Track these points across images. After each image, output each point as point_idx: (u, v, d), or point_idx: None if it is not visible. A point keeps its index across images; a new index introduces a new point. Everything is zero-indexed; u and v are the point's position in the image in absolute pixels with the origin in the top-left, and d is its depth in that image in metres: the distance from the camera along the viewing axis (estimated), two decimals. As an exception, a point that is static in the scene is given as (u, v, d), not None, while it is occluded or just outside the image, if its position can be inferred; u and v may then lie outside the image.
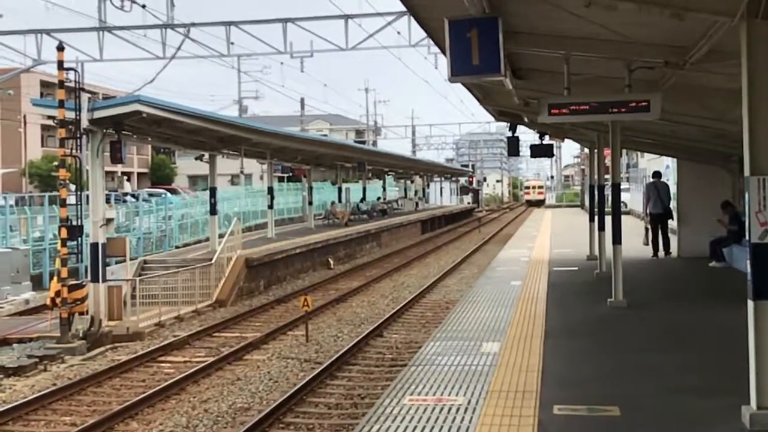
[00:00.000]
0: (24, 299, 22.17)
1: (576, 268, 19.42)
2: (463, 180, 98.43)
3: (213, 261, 22.00)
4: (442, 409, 7.68)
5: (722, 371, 8.89)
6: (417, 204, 66.52)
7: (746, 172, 6.72)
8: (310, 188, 41.39)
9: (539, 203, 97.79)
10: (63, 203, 17.21)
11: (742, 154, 6.79)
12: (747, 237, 6.77)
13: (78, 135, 17.34)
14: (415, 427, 7.14)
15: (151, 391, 12.70)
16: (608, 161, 17.24)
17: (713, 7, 6.99)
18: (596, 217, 19.69)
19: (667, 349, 10.37)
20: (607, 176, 18.78)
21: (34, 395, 12.65)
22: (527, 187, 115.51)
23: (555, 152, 76.86)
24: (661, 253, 21.16)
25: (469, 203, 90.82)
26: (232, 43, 30.65)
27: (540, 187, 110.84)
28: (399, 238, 43.87)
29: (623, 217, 14.95)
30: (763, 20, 6.50)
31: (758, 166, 6.64)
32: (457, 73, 8.05)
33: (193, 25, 29.62)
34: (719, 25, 7.40)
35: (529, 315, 12.86)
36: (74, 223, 17.36)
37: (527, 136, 60.39)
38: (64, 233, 17.13)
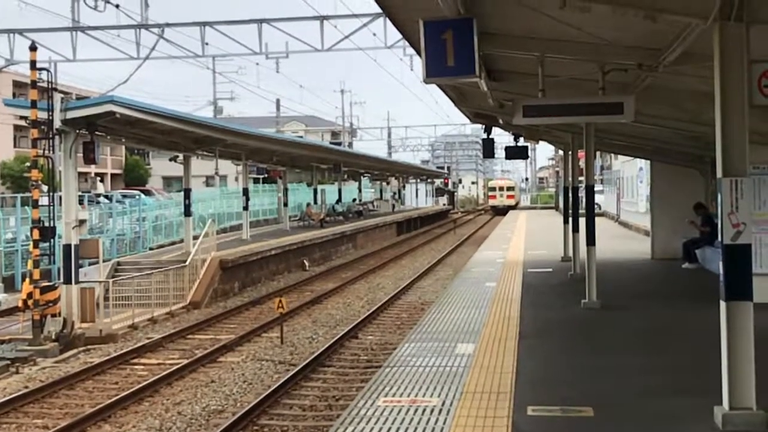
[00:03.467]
0: (-5, 301, 21.96)
1: (550, 270, 19.48)
2: (438, 182, 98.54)
3: (187, 263, 21.89)
4: (416, 410, 7.67)
5: (695, 372, 8.94)
6: (393, 206, 66.55)
7: (719, 173, 6.76)
8: (286, 190, 41.28)
9: (509, 209, 74.76)
10: (35, 204, 17.07)
11: (715, 156, 6.84)
12: (719, 238, 6.82)
13: (51, 135, 17.20)
14: (390, 429, 7.13)
15: (124, 393, 12.61)
16: (582, 163, 17.34)
17: (686, 9, 7.03)
18: (570, 219, 19.77)
19: (640, 349, 10.43)
20: (581, 178, 18.89)
21: (6, 398, 12.53)
22: (492, 189, 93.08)
23: (530, 154, 73.35)
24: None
25: (444, 205, 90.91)
26: (207, 44, 30.62)
27: (510, 188, 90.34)
28: (374, 239, 43.87)
29: (597, 219, 15.02)
30: (736, 23, 6.54)
31: (730, 168, 6.69)
32: (432, 74, 8.05)
33: (168, 25, 29.51)
34: (692, 28, 7.45)
35: (504, 316, 12.88)
36: (47, 224, 17.21)
37: (502, 138, 60.42)
38: (36, 234, 16.99)
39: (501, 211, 77.11)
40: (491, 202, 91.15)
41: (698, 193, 20.08)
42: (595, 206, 15.22)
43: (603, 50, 9.72)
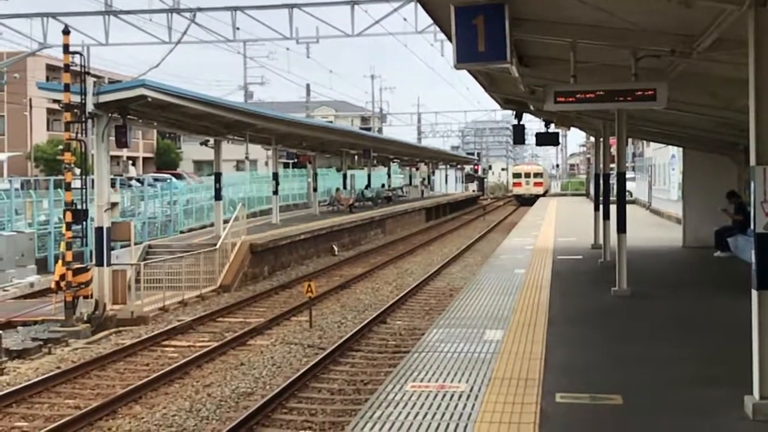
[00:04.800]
0: (29, 282, 22.24)
1: (580, 257, 19.40)
2: (468, 168, 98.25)
3: (218, 246, 22.02)
4: (444, 395, 7.68)
5: (725, 361, 8.88)
6: (422, 191, 66.47)
7: (752, 161, 6.69)
8: (315, 175, 41.37)
9: (536, 199, 65.63)
10: (68, 187, 17.23)
11: (748, 144, 6.77)
12: (752, 227, 6.75)
13: (83, 119, 17.35)
14: (417, 413, 7.15)
15: (154, 374, 12.75)
16: (614, 150, 17.22)
17: (721, -6, 6.95)
18: (601, 206, 19.66)
19: (670, 338, 10.36)
20: (612, 165, 18.75)
21: (38, 378, 12.70)
22: (517, 175, 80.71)
23: (561, 141, 71.16)
24: None
25: (474, 191, 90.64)
26: (238, 29, 30.70)
27: (537, 174, 78.29)
28: (403, 225, 43.86)
29: (628, 207, 14.92)
30: (772, 8, 6.46)
31: (764, 156, 6.61)
32: (462, 59, 8.03)
33: (199, 9, 29.59)
34: (727, 14, 7.36)
35: (533, 303, 12.85)
36: (79, 207, 17.38)
37: (533, 124, 60.24)
38: (69, 217, 17.15)
39: (527, 201, 68.09)
40: (515, 190, 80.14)
41: (731, 181, 19.88)
42: (627, 193, 15.09)
43: (636, 36, 9.62)
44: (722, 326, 10.97)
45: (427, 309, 18.69)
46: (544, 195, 74.54)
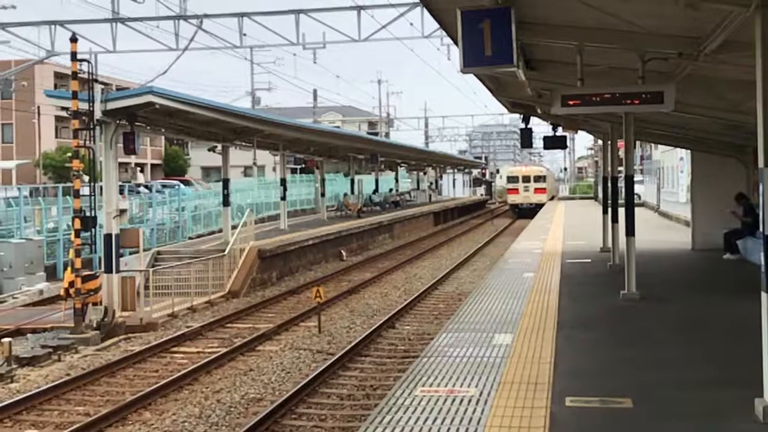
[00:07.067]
0: (38, 290, 22.25)
1: (589, 260, 19.36)
2: (476, 172, 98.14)
3: (226, 252, 22.04)
4: (454, 400, 7.68)
5: (735, 364, 8.85)
6: (429, 196, 66.46)
7: (760, 163, 6.67)
8: (323, 180, 41.41)
9: (538, 209, 52.22)
10: (77, 194, 17.28)
11: (757, 146, 6.75)
12: (761, 229, 6.73)
13: (91, 126, 17.39)
14: (427, 418, 7.15)
15: (164, 381, 12.76)
16: (622, 153, 17.20)
17: (728, -3, 6.94)
18: (609, 209, 19.63)
19: (680, 341, 10.34)
20: (620, 168, 18.73)
21: (48, 385, 12.72)
22: (513, 179, 64.74)
23: (568, 144, 68.42)
24: None
25: (482, 195, 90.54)
26: (245, 35, 30.76)
27: (539, 177, 63.63)
28: (411, 229, 43.85)
29: (637, 209, 14.90)
30: (778, 10, 6.45)
31: (773, 158, 6.59)
32: (469, 64, 8.03)
33: (206, 16, 29.67)
34: (734, 16, 7.35)
35: (542, 307, 12.84)
36: (88, 214, 17.41)
37: (540, 128, 59.78)
38: (77, 224, 17.19)
39: (526, 213, 56.93)
40: (510, 198, 65.21)
41: (739, 183, 19.83)
42: (635, 196, 15.08)
43: (643, 39, 9.62)
44: (732, 329, 10.93)
45: (435, 313, 18.68)
46: (551, 200, 66.02)
